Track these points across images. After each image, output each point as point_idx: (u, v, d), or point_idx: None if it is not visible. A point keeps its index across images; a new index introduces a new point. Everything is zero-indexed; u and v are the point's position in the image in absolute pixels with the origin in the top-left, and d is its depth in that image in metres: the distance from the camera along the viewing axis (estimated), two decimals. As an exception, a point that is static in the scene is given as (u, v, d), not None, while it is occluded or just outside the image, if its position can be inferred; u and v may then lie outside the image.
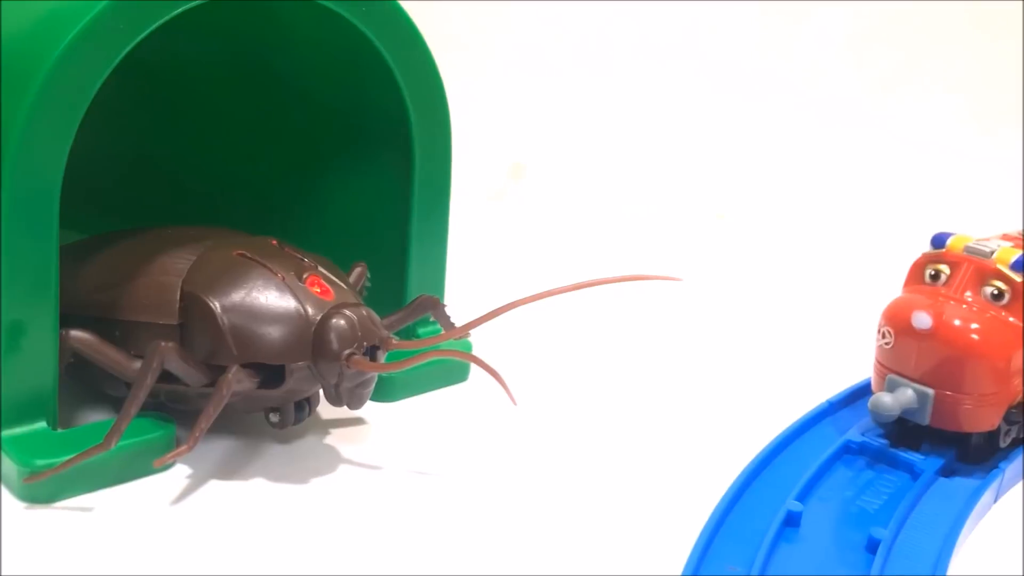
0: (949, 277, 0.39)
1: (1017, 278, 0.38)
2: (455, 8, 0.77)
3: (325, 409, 0.40)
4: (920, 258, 0.40)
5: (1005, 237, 0.41)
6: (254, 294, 0.36)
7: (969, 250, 0.39)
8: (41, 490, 0.34)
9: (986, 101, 0.75)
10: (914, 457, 0.39)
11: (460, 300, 0.45)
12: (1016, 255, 0.38)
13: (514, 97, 0.78)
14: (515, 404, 0.34)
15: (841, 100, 0.77)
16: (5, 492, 0.35)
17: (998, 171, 0.73)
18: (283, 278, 0.36)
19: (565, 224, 0.68)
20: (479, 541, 0.34)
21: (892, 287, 0.41)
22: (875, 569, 0.32)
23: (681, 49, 0.78)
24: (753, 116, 0.77)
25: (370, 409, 0.40)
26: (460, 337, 0.43)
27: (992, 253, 0.38)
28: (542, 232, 0.66)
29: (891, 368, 0.39)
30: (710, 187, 0.73)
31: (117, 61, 0.34)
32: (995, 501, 0.38)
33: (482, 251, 0.60)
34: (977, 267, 0.38)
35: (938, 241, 0.40)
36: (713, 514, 0.35)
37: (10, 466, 0.34)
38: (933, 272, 0.39)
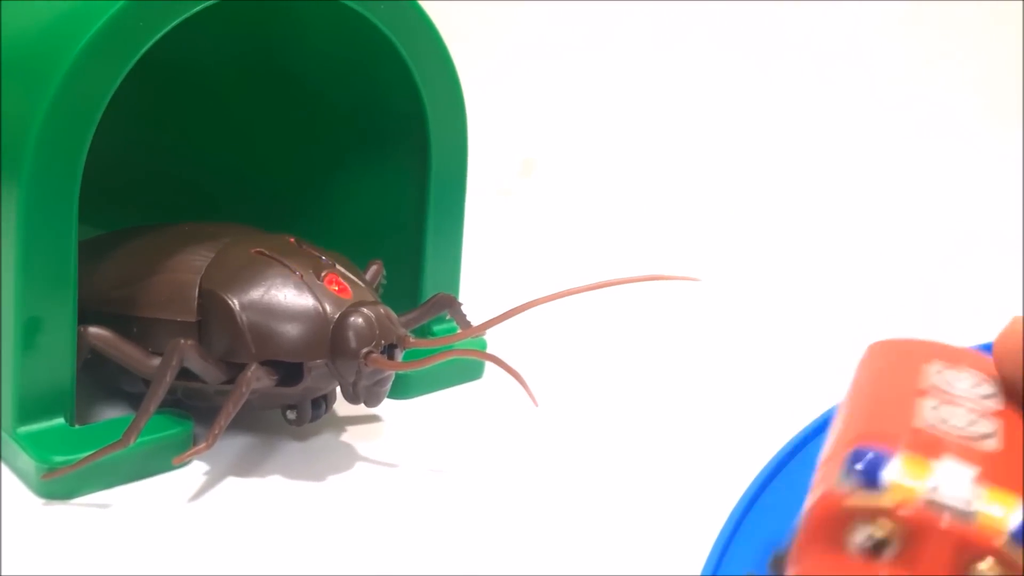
0: (901, 552, 0.22)
1: (1019, 558, 0.21)
2: (466, 4, 0.77)
3: (341, 406, 0.40)
4: (833, 503, 0.23)
5: (955, 359, 0.26)
6: (272, 292, 0.36)
7: (934, 506, 0.22)
8: (59, 486, 0.34)
9: (1002, 96, 0.75)
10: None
11: (471, 297, 0.45)
12: (1015, 514, 0.21)
13: (524, 92, 0.78)
14: (536, 404, 0.34)
15: (856, 95, 0.77)
16: (23, 488, 0.35)
17: (1012, 167, 0.73)
18: (301, 276, 0.36)
19: (575, 221, 0.68)
20: (494, 539, 0.34)
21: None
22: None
23: (693, 44, 0.78)
24: (768, 111, 0.76)
25: (386, 406, 0.40)
26: (476, 336, 0.43)
27: (971, 511, 0.22)
28: (552, 229, 0.66)
29: None
30: (723, 184, 0.73)
31: (136, 59, 0.34)
32: None
33: (491, 248, 0.59)
34: (954, 539, 0.22)
35: (870, 475, 0.22)
36: (732, 514, 0.34)
37: (28, 462, 0.34)
38: (871, 543, 0.22)
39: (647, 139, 0.76)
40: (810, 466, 0.38)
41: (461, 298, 0.44)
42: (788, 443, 0.39)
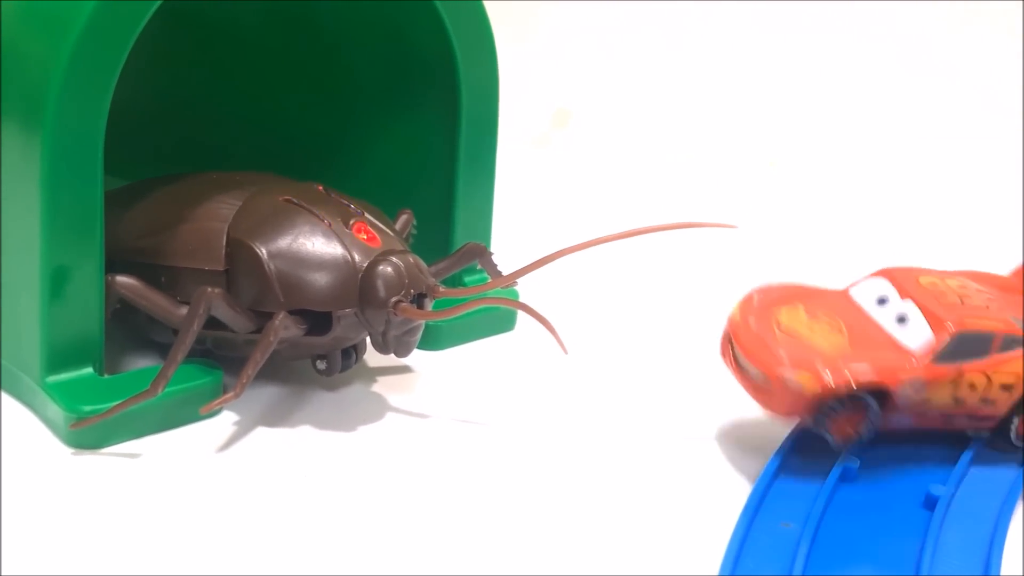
0: None
1: None
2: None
3: (372, 357, 0.39)
4: None
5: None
6: (300, 240, 0.35)
7: None
8: (88, 436, 0.34)
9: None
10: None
11: (504, 248, 0.44)
12: None
13: (559, 40, 0.77)
14: (566, 353, 0.33)
15: (897, 47, 0.75)
16: (52, 437, 0.35)
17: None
18: (329, 224, 0.36)
19: (610, 172, 0.67)
20: (525, 490, 0.34)
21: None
22: (933, 527, 0.32)
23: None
24: (806, 63, 0.75)
25: (417, 357, 0.40)
26: (507, 286, 0.42)
27: None
28: (587, 180, 0.66)
29: None
30: (761, 134, 0.72)
31: (158, 3, 0.34)
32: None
33: (525, 199, 0.59)
34: None
35: None
36: (766, 469, 0.34)
37: (57, 412, 0.34)
38: None
39: (683, 88, 0.75)
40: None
41: (493, 249, 0.43)
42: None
